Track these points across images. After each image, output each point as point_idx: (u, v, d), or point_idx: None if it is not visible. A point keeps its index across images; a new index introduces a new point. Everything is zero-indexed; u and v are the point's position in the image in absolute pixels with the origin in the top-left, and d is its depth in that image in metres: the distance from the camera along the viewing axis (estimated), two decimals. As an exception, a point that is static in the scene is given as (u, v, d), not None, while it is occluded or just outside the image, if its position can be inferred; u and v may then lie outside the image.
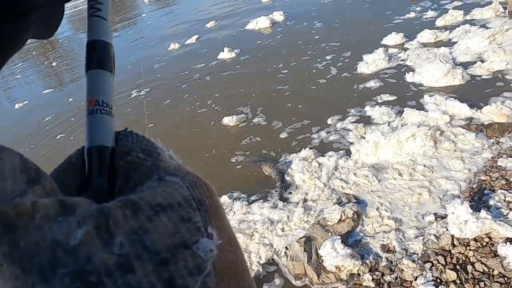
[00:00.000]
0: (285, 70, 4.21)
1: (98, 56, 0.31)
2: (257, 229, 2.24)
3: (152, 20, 9.27)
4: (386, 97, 3.14)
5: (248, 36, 5.64)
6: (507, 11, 3.78)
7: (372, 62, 3.54)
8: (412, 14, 4.50)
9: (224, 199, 2.51)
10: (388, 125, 2.73)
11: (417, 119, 2.66)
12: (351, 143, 2.71)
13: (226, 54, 5.03)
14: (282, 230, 2.20)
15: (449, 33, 3.75)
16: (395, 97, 3.11)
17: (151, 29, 8.41)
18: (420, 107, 2.84)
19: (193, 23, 7.38)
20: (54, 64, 8.17)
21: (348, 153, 2.65)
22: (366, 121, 2.93)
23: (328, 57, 4.18)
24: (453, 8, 4.15)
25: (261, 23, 5.75)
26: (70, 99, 5.50)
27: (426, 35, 3.76)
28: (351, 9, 5.42)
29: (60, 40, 10.68)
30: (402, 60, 3.59)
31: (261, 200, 2.46)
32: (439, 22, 4.03)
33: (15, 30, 0.30)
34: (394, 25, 4.43)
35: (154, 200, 0.20)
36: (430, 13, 4.33)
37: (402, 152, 2.44)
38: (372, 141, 2.53)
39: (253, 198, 2.52)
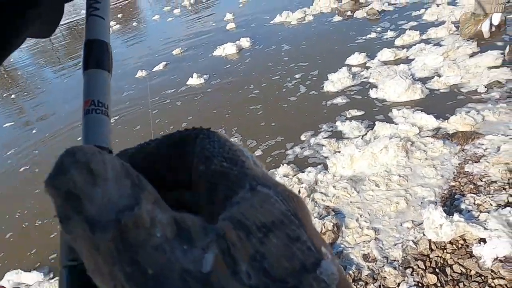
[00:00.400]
0: (256, 91, 4.29)
1: (96, 55, 0.31)
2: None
3: (117, 47, 9.24)
4: (355, 112, 3.27)
5: (217, 61, 5.71)
6: (459, 29, 4.10)
7: (337, 81, 3.69)
8: (373, 35, 4.77)
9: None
10: (362, 138, 2.83)
11: (388, 131, 2.77)
12: (326, 157, 2.77)
13: (195, 80, 5.04)
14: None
15: (407, 51, 4.00)
16: (363, 112, 3.24)
17: (116, 56, 8.38)
18: (390, 120, 2.97)
19: (159, 50, 7.37)
20: (13, 96, 7.88)
21: (325, 167, 2.70)
22: (338, 136, 3.03)
23: (297, 76, 4.32)
24: (410, 29, 4.45)
25: (228, 49, 5.83)
26: (34, 131, 5.29)
27: (386, 54, 3.99)
28: (317, 32, 5.67)
29: (19, 73, 10.37)
30: (365, 78, 3.76)
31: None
32: (398, 42, 4.29)
33: (14, 28, 0.30)
34: (357, 45, 4.67)
35: (258, 218, 0.18)
36: (390, 33, 4.61)
37: (377, 163, 2.52)
38: (347, 154, 2.61)
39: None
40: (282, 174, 2.71)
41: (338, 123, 3.15)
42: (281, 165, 2.80)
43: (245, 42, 5.97)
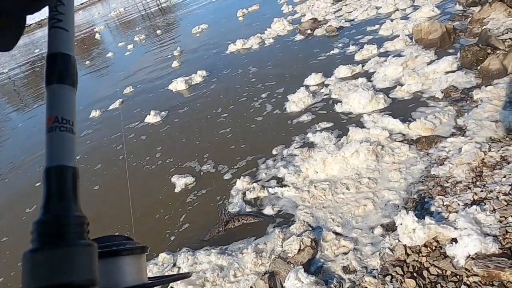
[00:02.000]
0: (225, 114, 4.32)
1: (58, 69, 0.29)
2: (207, 277, 2.19)
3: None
4: (324, 124, 3.37)
5: (175, 95, 5.64)
6: (413, 40, 4.34)
7: (298, 100, 3.78)
8: (334, 51, 4.95)
9: (162, 257, 2.45)
10: (334, 144, 2.93)
11: (360, 136, 2.89)
12: (299, 166, 2.89)
13: (151, 118, 4.87)
14: (235, 276, 2.15)
15: (363, 66, 4.16)
16: (332, 123, 3.34)
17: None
18: (361, 126, 3.09)
19: (113, 88, 7.19)
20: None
21: (298, 172, 2.83)
22: (310, 145, 3.14)
23: (263, 95, 4.42)
24: (367, 43, 4.66)
25: (179, 84, 5.70)
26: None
27: (342, 71, 4.12)
28: (282, 52, 5.80)
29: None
30: (326, 95, 3.87)
31: (207, 247, 2.44)
32: (358, 57, 4.47)
33: None
34: (318, 61, 4.84)
35: None
36: (350, 48, 4.81)
37: (348, 167, 2.62)
38: (320, 159, 2.73)
39: (196, 245, 2.51)
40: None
41: (309, 135, 3.26)
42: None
43: (197, 77, 5.77)
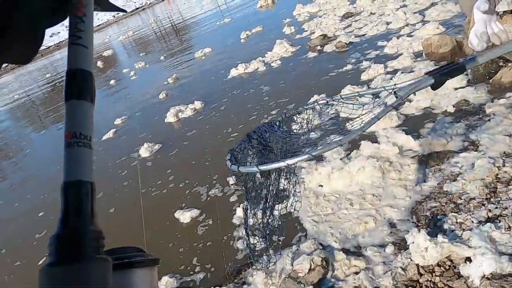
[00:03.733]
0: (234, 134, 4.37)
1: (77, 85, 0.30)
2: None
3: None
4: (335, 138, 3.36)
5: (171, 124, 5.79)
6: (424, 55, 4.33)
7: (302, 120, 3.79)
8: (349, 66, 4.94)
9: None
10: (341, 159, 2.95)
11: (370, 151, 2.89)
12: (303, 178, 2.93)
13: (144, 151, 4.78)
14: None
15: (368, 86, 4.13)
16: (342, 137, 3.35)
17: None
18: (374, 140, 3.08)
19: (108, 117, 7.21)
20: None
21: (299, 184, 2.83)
22: (319, 159, 3.15)
23: (273, 112, 4.47)
24: (374, 62, 4.64)
25: (187, 111, 5.76)
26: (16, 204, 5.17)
27: (347, 92, 4.09)
28: (295, 69, 5.79)
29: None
30: (333, 114, 3.85)
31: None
32: (364, 76, 4.43)
33: None
34: (324, 80, 4.85)
35: None
36: (360, 65, 4.81)
37: (353, 182, 2.63)
38: (325, 173, 2.75)
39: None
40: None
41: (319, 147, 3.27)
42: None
43: (195, 106, 5.70)
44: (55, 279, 0.26)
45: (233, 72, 6.60)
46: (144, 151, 4.75)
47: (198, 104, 5.73)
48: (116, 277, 0.35)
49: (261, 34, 9.14)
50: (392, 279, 1.87)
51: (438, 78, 1.30)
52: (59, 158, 6.01)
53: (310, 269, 2.10)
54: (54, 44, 32.68)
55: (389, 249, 2.07)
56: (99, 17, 37.24)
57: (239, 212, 2.85)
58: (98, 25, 34.41)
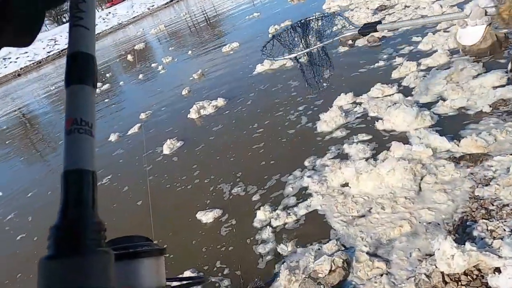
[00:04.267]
0: (260, 129, 4.37)
1: (79, 69, 0.29)
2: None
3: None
4: (362, 137, 3.32)
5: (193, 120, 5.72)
6: (461, 51, 4.13)
7: (330, 120, 3.68)
8: (380, 63, 4.79)
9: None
10: (366, 160, 2.89)
11: (401, 152, 2.80)
12: (325, 176, 2.93)
13: (166, 146, 4.82)
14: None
15: (399, 86, 3.95)
16: (370, 136, 3.29)
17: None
18: (406, 141, 2.98)
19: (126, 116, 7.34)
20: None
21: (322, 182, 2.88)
22: (344, 157, 3.13)
23: (300, 108, 4.43)
24: (407, 60, 4.47)
25: (208, 108, 5.70)
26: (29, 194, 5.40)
27: (375, 92, 3.93)
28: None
29: (39, 120, 10.79)
30: (361, 113, 3.75)
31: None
32: (395, 74, 4.26)
33: None
34: (359, 73, 4.72)
35: None
36: (392, 61, 4.64)
37: (383, 185, 2.58)
38: (353, 174, 2.72)
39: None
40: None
41: (345, 146, 3.26)
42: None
43: (220, 101, 5.70)
44: (53, 273, 0.25)
45: (260, 68, 6.55)
46: (168, 147, 4.81)
47: (223, 100, 5.76)
48: (122, 267, 0.35)
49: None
50: (415, 286, 1.83)
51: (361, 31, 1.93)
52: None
53: (330, 270, 2.08)
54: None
55: (415, 253, 2.02)
56: (135, 10, 37.98)
57: (260, 215, 2.82)
58: (134, 17, 35.19)
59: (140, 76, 10.30)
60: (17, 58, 33.99)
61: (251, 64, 6.92)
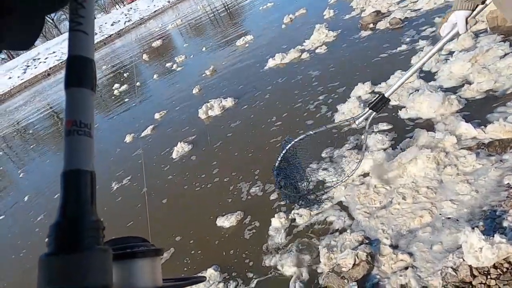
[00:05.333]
0: (278, 123, 4.34)
1: (77, 73, 0.30)
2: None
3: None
4: (383, 126, 3.25)
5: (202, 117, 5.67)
6: (488, 29, 3.94)
7: (348, 112, 3.58)
8: (403, 47, 4.64)
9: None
10: (385, 150, 2.85)
11: (425, 140, 2.73)
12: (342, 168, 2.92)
13: (177, 148, 4.84)
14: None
15: (419, 71, 3.78)
16: (391, 126, 3.22)
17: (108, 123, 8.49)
18: (431, 128, 2.91)
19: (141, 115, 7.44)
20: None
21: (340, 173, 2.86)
22: (359, 148, 3.07)
23: (320, 97, 4.38)
24: (427, 45, 4.30)
25: (220, 104, 5.61)
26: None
27: (394, 79, 3.79)
28: (348, 51, 5.52)
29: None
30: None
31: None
32: (414, 60, 4.10)
33: None
34: (381, 59, 4.60)
35: None
36: (421, 43, 4.45)
37: (404, 174, 2.54)
38: (368, 164, 2.71)
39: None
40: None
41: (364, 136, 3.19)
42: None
43: (229, 102, 5.65)
44: (53, 269, 0.26)
45: (276, 60, 6.47)
46: (184, 146, 4.85)
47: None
48: (118, 267, 0.36)
49: (304, 17, 8.85)
50: (442, 279, 1.80)
51: (375, 108, 1.88)
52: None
53: (354, 264, 2.08)
54: (115, 33, 34.32)
55: (437, 247, 1.98)
56: (155, 3, 38.35)
57: (275, 223, 2.76)
58: (155, 11, 35.51)
59: (155, 76, 10.42)
60: (46, 58, 35.40)
61: (268, 57, 6.87)
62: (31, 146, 10.33)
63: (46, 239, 0.28)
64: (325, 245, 2.32)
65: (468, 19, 1.51)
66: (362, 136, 2.04)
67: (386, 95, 1.78)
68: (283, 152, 2.39)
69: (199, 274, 2.59)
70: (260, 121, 4.61)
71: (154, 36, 19.88)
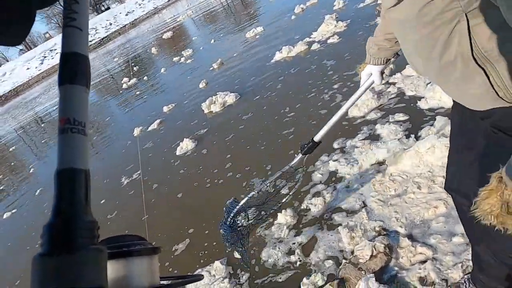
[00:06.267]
0: (291, 113, 4.31)
1: (71, 70, 0.29)
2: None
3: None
4: (399, 117, 3.20)
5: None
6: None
7: (361, 104, 3.53)
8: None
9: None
10: (399, 140, 2.83)
11: (445, 128, 2.70)
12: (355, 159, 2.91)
13: (185, 145, 4.90)
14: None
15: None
16: (408, 117, 3.16)
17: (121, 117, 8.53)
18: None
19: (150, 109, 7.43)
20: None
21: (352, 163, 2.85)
22: (375, 138, 3.06)
23: (335, 86, 4.34)
24: None
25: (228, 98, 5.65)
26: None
27: (410, 69, 3.74)
28: (364, 39, 5.38)
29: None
30: (395, 93, 3.56)
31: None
32: None
33: None
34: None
35: None
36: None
37: (421, 163, 2.52)
38: (381, 154, 2.70)
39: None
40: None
41: (377, 126, 3.19)
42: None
43: (231, 98, 5.57)
44: (46, 270, 0.26)
45: (285, 53, 6.39)
46: (193, 140, 4.83)
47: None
48: (115, 266, 0.35)
49: (315, 7, 8.72)
50: (463, 272, 1.77)
51: (305, 153, 2.11)
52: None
53: (371, 256, 2.06)
54: (130, 23, 34.47)
55: (457, 239, 1.95)
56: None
57: (281, 218, 2.70)
58: (168, 1, 35.46)
59: (162, 70, 10.42)
60: None
61: (278, 48, 6.79)
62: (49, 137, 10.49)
63: (40, 240, 0.27)
64: (345, 225, 2.36)
65: (382, 71, 1.63)
66: (297, 177, 2.30)
67: (315, 139, 2.03)
68: (227, 220, 2.31)
69: (208, 267, 2.61)
70: (273, 112, 4.57)
71: (166, 27, 19.89)
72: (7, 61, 53.64)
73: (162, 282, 0.40)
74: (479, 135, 1.13)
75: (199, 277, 0.44)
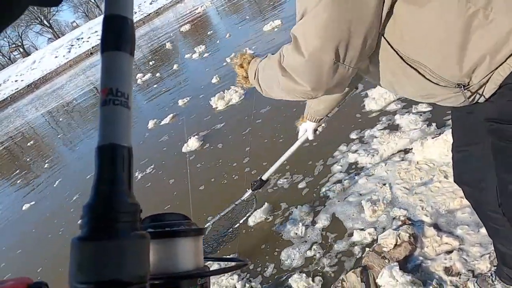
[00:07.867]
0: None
1: (116, 34, 0.27)
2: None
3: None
4: (423, 108, 3.15)
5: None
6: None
7: (379, 97, 3.46)
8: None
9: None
10: (420, 129, 2.83)
11: None
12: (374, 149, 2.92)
13: (193, 143, 4.90)
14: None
15: None
16: (431, 108, 3.11)
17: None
18: None
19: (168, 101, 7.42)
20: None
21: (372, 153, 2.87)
22: (394, 128, 3.06)
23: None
24: None
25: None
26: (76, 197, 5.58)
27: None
28: None
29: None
30: None
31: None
32: None
33: None
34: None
35: None
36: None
37: (449, 152, 2.47)
38: (402, 143, 2.72)
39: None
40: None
41: (397, 116, 3.18)
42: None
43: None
44: (85, 256, 0.24)
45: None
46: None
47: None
48: (158, 247, 0.33)
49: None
50: (490, 264, 1.76)
51: (255, 190, 2.38)
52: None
53: (395, 245, 2.06)
54: (154, 11, 34.67)
55: (484, 230, 1.92)
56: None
57: (295, 213, 2.73)
58: None
59: (174, 66, 10.36)
60: (88, 38, 36.84)
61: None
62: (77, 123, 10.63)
63: (79, 221, 0.25)
64: (368, 199, 2.42)
65: (316, 128, 1.84)
66: (249, 212, 2.54)
67: (263, 178, 2.27)
68: None
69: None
70: (291, 104, 4.52)
71: (186, 19, 19.88)
72: (36, 49, 54.91)
73: (206, 265, 0.37)
74: (480, 128, 1.17)
75: (244, 262, 0.41)
